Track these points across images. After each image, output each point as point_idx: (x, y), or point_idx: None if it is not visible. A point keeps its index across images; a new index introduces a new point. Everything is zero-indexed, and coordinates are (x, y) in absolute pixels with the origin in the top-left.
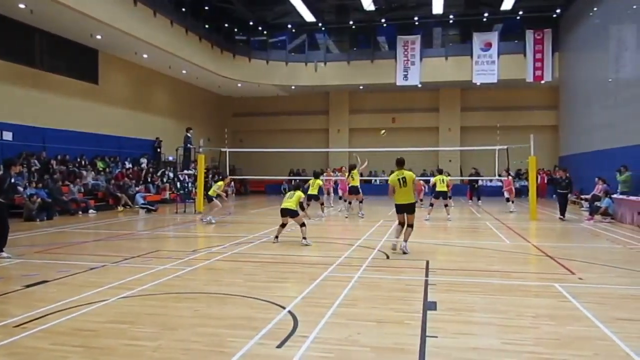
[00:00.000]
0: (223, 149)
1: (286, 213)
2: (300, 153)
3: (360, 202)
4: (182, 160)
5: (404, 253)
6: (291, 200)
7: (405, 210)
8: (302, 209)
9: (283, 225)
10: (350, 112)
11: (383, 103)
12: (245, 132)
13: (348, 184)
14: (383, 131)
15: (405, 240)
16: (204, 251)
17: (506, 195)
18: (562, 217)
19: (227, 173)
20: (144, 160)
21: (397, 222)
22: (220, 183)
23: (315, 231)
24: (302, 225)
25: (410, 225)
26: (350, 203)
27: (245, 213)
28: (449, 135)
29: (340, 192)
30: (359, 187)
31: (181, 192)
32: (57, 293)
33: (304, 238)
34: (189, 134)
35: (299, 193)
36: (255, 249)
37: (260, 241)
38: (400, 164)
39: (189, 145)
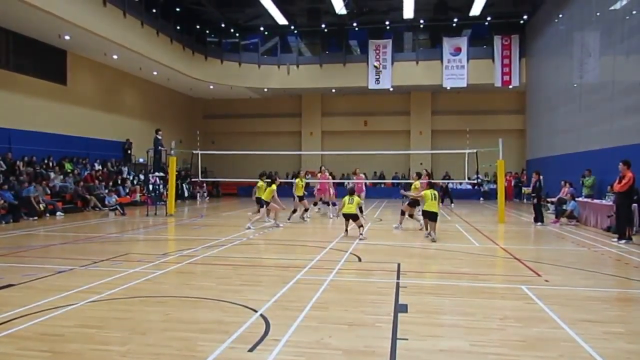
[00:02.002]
0: (195, 151)
1: (349, 217)
2: (273, 155)
3: (306, 210)
4: (152, 162)
5: (434, 241)
6: (352, 205)
7: (431, 216)
8: (361, 211)
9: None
10: (323, 114)
11: (355, 106)
12: (218, 134)
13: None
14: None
15: (434, 231)
16: (175, 254)
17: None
18: (535, 221)
19: (199, 175)
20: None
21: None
22: (273, 187)
23: (287, 234)
24: (361, 226)
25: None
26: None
27: (218, 215)
28: (420, 138)
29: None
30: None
31: (152, 194)
32: (23, 297)
33: (361, 234)
34: (158, 136)
35: (357, 199)
36: (227, 252)
37: (232, 244)
38: (432, 185)
39: (159, 147)
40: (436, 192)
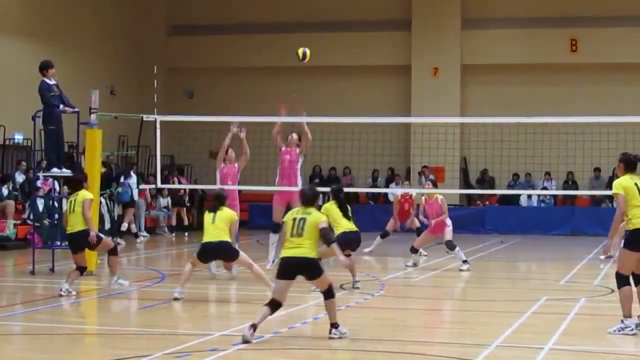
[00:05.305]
0: (148, 116)
1: None
2: (336, 128)
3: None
4: (44, 143)
5: None
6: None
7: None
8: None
9: None
10: (466, 22)
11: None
12: (202, 75)
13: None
14: None
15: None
16: None
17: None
18: None
19: (158, 172)
20: None
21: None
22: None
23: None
24: None
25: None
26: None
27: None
28: None
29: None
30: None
31: (43, 223)
32: None
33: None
34: (47, 80)
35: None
36: None
37: (224, 352)
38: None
39: (55, 107)
40: None
